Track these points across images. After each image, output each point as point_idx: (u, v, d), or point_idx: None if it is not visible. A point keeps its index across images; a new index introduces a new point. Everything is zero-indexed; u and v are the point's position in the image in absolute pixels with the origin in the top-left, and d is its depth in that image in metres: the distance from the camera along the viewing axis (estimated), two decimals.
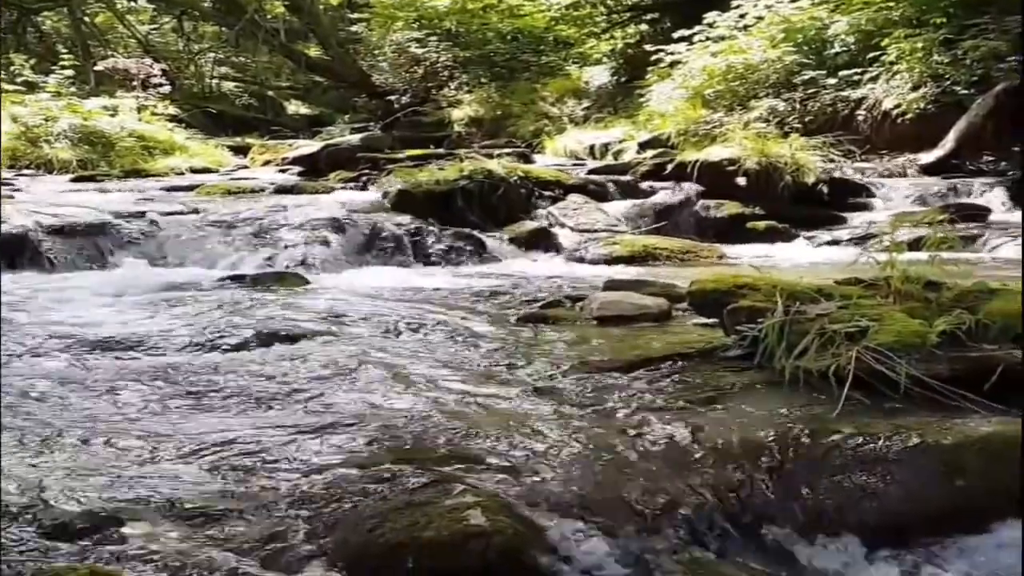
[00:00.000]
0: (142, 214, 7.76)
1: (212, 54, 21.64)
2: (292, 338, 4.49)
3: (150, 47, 20.30)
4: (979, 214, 8.39)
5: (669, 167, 9.48)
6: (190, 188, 10.10)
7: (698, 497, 2.61)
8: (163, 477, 2.73)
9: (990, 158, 10.37)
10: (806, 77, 12.25)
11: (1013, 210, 8.74)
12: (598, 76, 17.70)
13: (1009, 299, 3.42)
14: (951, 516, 2.62)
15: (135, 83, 15.61)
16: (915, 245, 4.03)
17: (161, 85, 16.04)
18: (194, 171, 12.39)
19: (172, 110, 15.52)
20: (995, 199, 8.98)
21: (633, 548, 2.42)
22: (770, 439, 2.85)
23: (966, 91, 10.72)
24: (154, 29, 22.10)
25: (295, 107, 22.74)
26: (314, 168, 11.75)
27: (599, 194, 9.16)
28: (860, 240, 7.47)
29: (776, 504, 2.63)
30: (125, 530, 2.40)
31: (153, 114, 14.65)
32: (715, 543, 2.52)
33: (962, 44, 10.93)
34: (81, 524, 2.42)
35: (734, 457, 2.78)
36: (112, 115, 13.57)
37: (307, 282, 6.36)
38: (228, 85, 21.57)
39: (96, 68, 16.77)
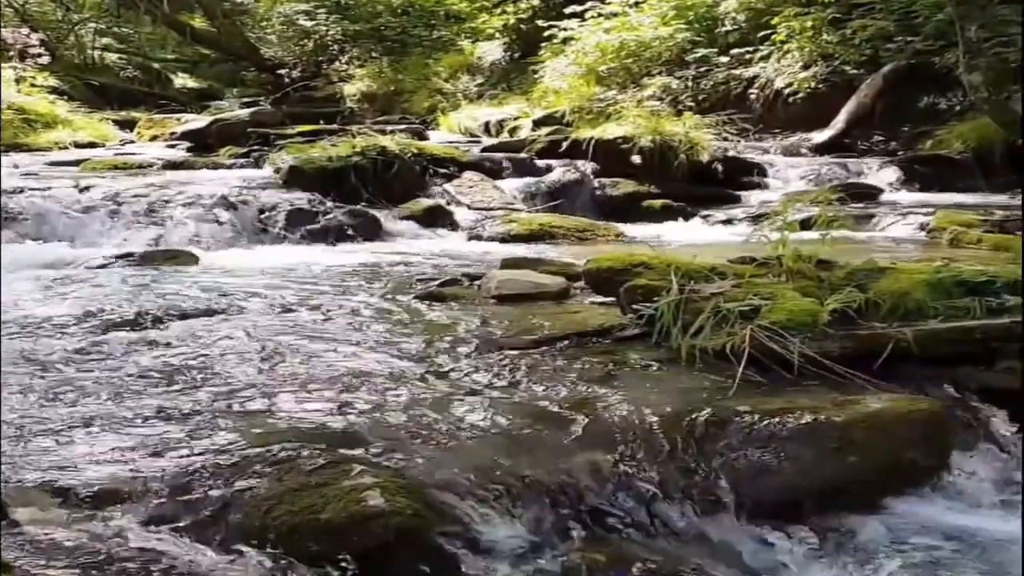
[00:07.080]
0: (25, 190, 7.49)
1: (93, 24, 20.90)
2: (182, 317, 4.40)
3: (27, 16, 19.52)
4: (870, 193, 8.58)
5: (564, 145, 9.51)
6: (75, 163, 9.80)
7: (595, 475, 2.63)
8: (50, 461, 2.65)
9: (880, 137, 10.60)
10: (698, 55, 12.39)
11: (902, 190, 8.96)
12: (491, 52, 17.62)
13: (899, 278, 3.50)
14: (843, 491, 2.69)
15: (12, 53, 15.05)
16: (807, 224, 4.10)
17: (40, 55, 15.48)
18: (79, 146, 12.01)
19: (52, 82, 15.01)
20: (885, 179, 9.18)
21: (531, 526, 2.44)
22: (666, 417, 2.87)
23: (855, 71, 10.96)
24: None
25: (183, 80, 22.07)
26: (203, 143, 11.51)
27: (495, 171, 9.14)
28: (754, 219, 7.55)
29: (672, 482, 2.66)
30: (13, 516, 2.33)
31: (32, 86, 14.16)
32: (612, 521, 2.54)
33: (851, 24, 11.16)
34: None
35: (631, 436, 2.81)
36: None
37: (197, 260, 6.23)
38: (111, 57, 20.86)
39: None
